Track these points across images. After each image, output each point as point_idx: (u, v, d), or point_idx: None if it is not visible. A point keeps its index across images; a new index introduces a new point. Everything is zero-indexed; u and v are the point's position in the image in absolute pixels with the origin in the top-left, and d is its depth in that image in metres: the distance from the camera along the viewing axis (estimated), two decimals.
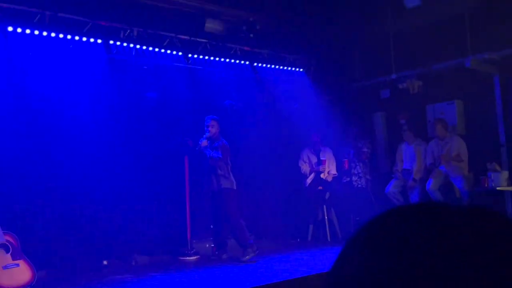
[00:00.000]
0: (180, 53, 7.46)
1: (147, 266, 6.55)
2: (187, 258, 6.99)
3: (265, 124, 8.42)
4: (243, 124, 8.20)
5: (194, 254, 7.06)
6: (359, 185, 8.36)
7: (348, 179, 8.46)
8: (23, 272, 5.06)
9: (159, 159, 7.21)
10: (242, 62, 8.21)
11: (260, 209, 8.41)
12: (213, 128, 6.65)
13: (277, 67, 8.71)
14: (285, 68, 8.81)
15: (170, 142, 7.35)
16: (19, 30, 6.00)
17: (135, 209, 6.87)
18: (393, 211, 0.59)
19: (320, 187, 8.24)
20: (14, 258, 5.03)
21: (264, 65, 8.48)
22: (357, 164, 8.41)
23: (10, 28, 5.92)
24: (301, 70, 9.00)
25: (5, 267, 4.93)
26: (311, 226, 8.28)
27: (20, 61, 6.19)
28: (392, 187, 7.74)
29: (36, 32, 6.13)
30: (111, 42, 6.73)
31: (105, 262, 6.52)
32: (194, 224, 7.28)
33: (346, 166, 8.44)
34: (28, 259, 5.14)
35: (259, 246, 6.75)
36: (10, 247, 5.04)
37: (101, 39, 6.63)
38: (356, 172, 8.41)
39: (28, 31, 6.06)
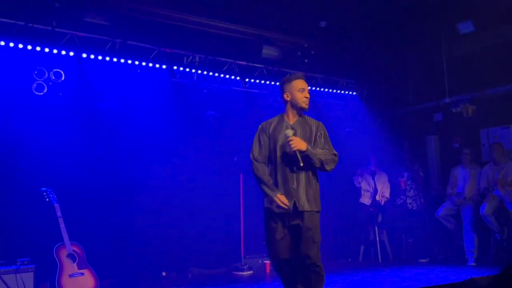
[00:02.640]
0: (238, 78, 7.87)
1: (202, 279, 6.84)
2: (241, 273, 7.26)
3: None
4: None
5: (248, 269, 7.33)
6: (413, 208, 8.37)
7: (402, 200, 8.48)
8: (87, 280, 5.41)
9: (217, 176, 7.60)
10: None
11: None
12: None
13: (330, 90, 8.95)
14: (338, 91, 9.03)
15: (226, 160, 7.72)
16: (92, 56, 6.58)
17: (193, 223, 7.24)
18: None
19: (372, 209, 8.34)
20: (79, 267, 5.41)
21: (317, 88, 8.75)
22: (411, 186, 8.44)
23: (84, 55, 6.51)
24: (354, 93, 9.20)
25: (71, 276, 5.32)
26: (362, 247, 8.35)
27: (93, 84, 6.76)
28: (444, 210, 7.70)
29: (107, 58, 6.69)
30: (175, 67, 7.24)
31: (164, 274, 6.88)
32: (248, 240, 7.55)
33: (403, 185, 8.47)
34: (93, 268, 5.51)
35: None
36: (76, 256, 5.44)
37: (165, 64, 7.15)
38: (410, 195, 8.43)
39: (100, 57, 6.64)
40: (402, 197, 8.48)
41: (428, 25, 8.15)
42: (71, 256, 5.41)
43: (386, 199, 8.35)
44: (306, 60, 8.13)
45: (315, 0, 7.29)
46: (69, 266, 5.35)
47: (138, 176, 6.87)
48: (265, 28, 7.57)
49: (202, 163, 7.47)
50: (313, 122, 3.89)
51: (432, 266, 7.42)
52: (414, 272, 6.88)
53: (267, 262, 7.45)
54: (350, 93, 9.16)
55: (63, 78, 6.37)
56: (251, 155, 3.91)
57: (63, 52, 6.32)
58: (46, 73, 6.26)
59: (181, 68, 7.30)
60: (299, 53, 8.09)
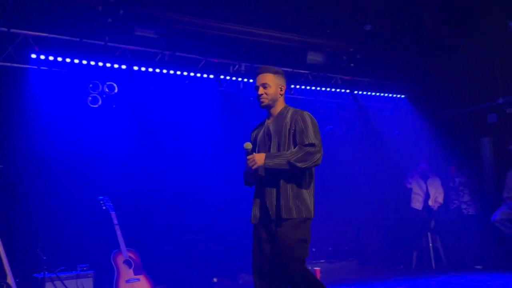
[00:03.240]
0: None
1: (252, 286, 6.88)
2: None
3: (366, 150, 8.56)
4: (344, 149, 8.42)
5: None
6: (468, 213, 8.13)
7: (455, 205, 8.26)
8: (143, 286, 5.57)
9: None
10: (343, 90, 8.48)
11: (362, 233, 8.50)
12: None
13: (378, 94, 8.85)
14: (386, 95, 8.92)
15: None
16: (143, 69, 6.82)
17: (243, 230, 7.31)
18: None
19: (424, 214, 8.15)
20: (135, 273, 5.59)
21: (365, 92, 8.68)
22: (465, 191, 8.20)
23: (135, 68, 6.76)
24: (403, 96, 9.05)
25: (128, 281, 5.50)
26: (415, 253, 8.17)
27: (144, 95, 7.01)
28: (500, 214, 7.43)
29: (157, 70, 6.92)
30: (222, 76, 7.39)
31: (215, 280, 6.98)
32: None
33: (456, 183, 8.27)
34: (148, 274, 5.67)
35: (361, 271, 6.80)
36: (132, 262, 5.62)
37: (213, 74, 7.30)
38: (465, 200, 8.19)
39: (150, 69, 6.88)
40: (455, 201, 8.25)
41: (479, 23, 7.92)
42: (127, 262, 5.60)
43: (439, 204, 8.14)
44: (352, 65, 8.07)
45: (360, 3, 7.24)
46: (126, 272, 5.54)
47: (190, 183, 7.04)
48: (310, 34, 7.58)
49: None
50: (290, 115, 3.36)
51: (488, 272, 7.18)
52: (470, 279, 6.67)
53: (317, 269, 7.41)
54: (399, 96, 9.02)
55: (116, 90, 6.63)
56: None
57: (116, 66, 6.59)
58: (100, 86, 6.54)
59: (228, 77, 7.44)
60: (344, 58, 8.04)
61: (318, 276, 7.41)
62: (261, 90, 3.39)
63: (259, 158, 3.21)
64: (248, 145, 3.31)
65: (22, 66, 6.11)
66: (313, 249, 7.53)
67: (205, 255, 6.94)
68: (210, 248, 7.00)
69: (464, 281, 6.53)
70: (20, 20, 5.87)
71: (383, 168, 8.64)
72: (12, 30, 5.94)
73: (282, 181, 3.22)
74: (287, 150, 3.25)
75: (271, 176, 3.25)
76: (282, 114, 3.39)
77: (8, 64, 6.04)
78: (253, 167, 3.22)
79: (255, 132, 3.56)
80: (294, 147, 3.25)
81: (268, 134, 3.39)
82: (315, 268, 7.48)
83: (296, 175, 3.23)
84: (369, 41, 7.88)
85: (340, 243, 8.39)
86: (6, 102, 5.95)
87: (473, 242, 7.95)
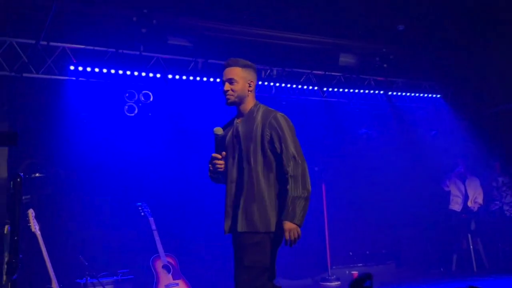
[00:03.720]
0: (315, 88, 7.92)
1: None
2: (328, 283, 7.22)
3: (402, 151, 8.45)
4: (379, 152, 8.33)
5: (335, 280, 7.27)
6: (511, 214, 7.90)
7: (497, 206, 8.04)
8: None
9: None
10: (376, 92, 8.40)
11: (400, 236, 8.38)
12: None
13: (412, 94, 8.72)
14: (421, 95, 8.78)
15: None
16: (177, 77, 6.94)
17: None
18: None
19: (464, 215, 7.97)
20: (174, 277, 5.67)
21: (399, 93, 8.57)
22: (508, 192, 7.97)
23: (170, 76, 6.89)
24: (438, 96, 8.89)
25: (167, 286, 5.58)
26: (455, 256, 7.99)
27: (179, 103, 7.12)
28: None
29: (191, 78, 7.03)
30: None
31: None
32: (334, 250, 7.51)
33: (498, 169, 8.06)
34: (186, 278, 5.76)
35: (400, 274, 6.71)
36: (171, 267, 5.71)
37: None
38: (507, 201, 7.96)
39: (184, 77, 6.99)
40: (497, 202, 8.03)
41: None
42: (166, 267, 5.69)
43: (479, 205, 7.94)
44: (385, 65, 7.99)
45: (392, 4, 7.16)
46: (165, 277, 5.63)
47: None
48: (341, 36, 7.55)
49: None
50: (261, 115, 3.05)
51: None
52: None
53: (355, 272, 7.36)
54: (434, 95, 8.87)
55: (151, 99, 6.77)
56: None
57: (151, 75, 6.73)
58: (136, 95, 6.69)
59: (260, 82, 7.48)
60: (377, 59, 7.97)
61: None
62: (226, 86, 3.13)
63: (292, 228, 2.91)
64: (218, 130, 3.12)
65: (61, 78, 6.31)
66: (350, 253, 7.48)
67: None
68: None
69: (507, 284, 6.35)
70: (58, 33, 6.08)
71: (420, 170, 8.50)
72: (51, 43, 6.16)
73: (260, 189, 2.96)
74: (255, 159, 2.96)
75: (247, 181, 2.99)
76: (252, 113, 3.09)
77: (48, 76, 6.25)
78: (296, 240, 2.94)
79: (223, 131, 3.22)
80: (263, 156, 2.97)
81: (236, 137, 3.10)
82: (352, 272, 7.43)
83: (274, 185, 2.99)
84: (402, 41, 7.78)
85: (378, 246, 8.29)
86: (47, 113, 6.17)
87: None
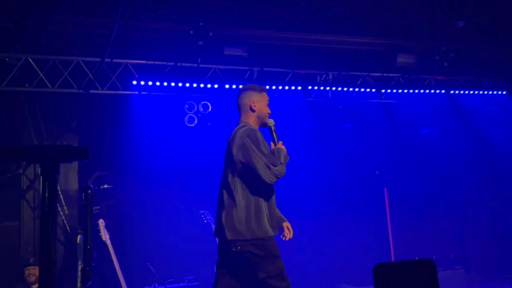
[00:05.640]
0: (373, 90, 7.79)
1: None
2: None
3: (468, 151, 8.14)
4: (444, 152, 8.08)
5: None
6: None
7: None
8: None
9: (360, 191, 7.56)
10: (438, 91, 8.14)
11: (468, 240, 8.05)
12: None
13: (476, 92, 8.38)
14: (486, 92, 8.42)
15: (368, 175, 7.64)
16: (234, 86, 7.05)
17: (339, 239, 7.27)
18: None
19: None
20: None
21: (461, 91, 8.26)
22: None
23: (227, 86, 7.02)
24: (504, 92, 8.49)
25: None
26: None
27: (236, 112, 7.20)
28: None
29: None
30: (310, 87, 7.43)
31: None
32: (398, 256, 7.33)
33: None
34: None
35: (469, 279, 6.47)
36: None
37: (300, 85, 7.38)
38: None
39: (241, 86, 7.05)
40: None
41: None
42: None
43: None
44: (445, 64, 7.73)
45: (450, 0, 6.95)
46: None
47: (283, 193, 7.09)
48: (398, 36, 7.40)
49: (344, 179, 7.50)
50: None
51: None
52: None
53: None
54: (500, 92, 8.48)
55: (210, 109, 6.95)
56: None
57: (209, 86, 6.89)
58: (195, 106, 6.89)
59: (316, 87, 7.46)
60: (437, 57, 7.73)
61: None
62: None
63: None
64: (271, 122, 3.60)
65: (125, 92, 6.60)
66: (416, 258, 7.26)
67: (303, 265, 6.97)
68: (310, 260, 7.03)
69: None
70: (120, 50, 6.36)
71: (487, 171, 8.15)
72: (114, 60, 6.46)
73: (239, 197, 3.42)
74: None
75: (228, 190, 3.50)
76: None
77: (113, 92, 6.56)
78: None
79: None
80: None
81: None
82: None
83: (254, 193, 3.44)
84: (462, 38, 7.52)
85: (445, 251, 8.01)
86: (114, 127, 6.47)
87: None
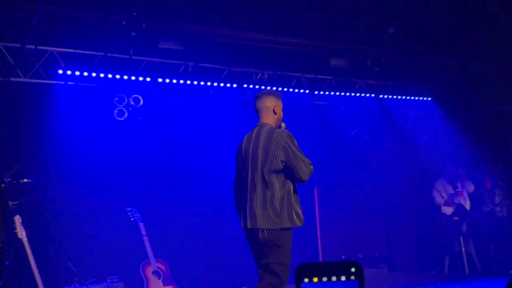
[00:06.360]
0: (307, 91, 7.89)
1: None
2: None
3: (394, 154, 8.45)
4: (371, 154, 8.34)
5: None
6: (503, 215, 7.91)
7: (489, 208, 8.04)
8: None
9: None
10: (367, 95, 8.39)
11: (392, 240, 8.37)
12: None
13: (403, 97, 8.72)
14: (412, 98, 8.79)
15: None
16: (167, 80, 6.89)
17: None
18: None
19: (455, 218, 7.96)
20: (165, 283, 5.62)
21: (390, 96, 8.56)
22: (496, 193, 7.98)
23: (160, 80, 6.83)
24: (429, 99, 8.90)
25: None
26: (447, 258, 7.98)
27: (169, 107, 7.07)
28: None
29: (181, 81, 6.98)
30: (245, 85, 7.40)
31: None
32: (326, 253, 7.47)
33: (488, 186, 8.04)
34: (177, 284, 5.71)
35: (393, 277, 6.70)
36: (161, 273, 5.66)
37: (236, 83, 7.33)
38: (497, 202, 7.98)
39: (174, 81, 6.93)
40: (488, 205, 8.04)
41: (506, 24, 7.73)
42: (156, 273, 5.64)
43: (468, 205, 7.93)
44: (376, 69, 7.98)
45: (383, 7, 7.16)
46: (155, 283, 5.57)
47: (217, 192, 7.04)
48: (332, 40, 7.55)
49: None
50: None
51: None
52: (504, 284, 6.47)
53: None
54: (425, 98, 8.88)
55: (141, 103, 6.71)
56: None
57: (141, 78, 6.67)
58: (126, 99, 6.63)
59: (251, 86, 7.44)
60: (368, 62, 7.97)
61: None
62: None
63: None
64: (283, 125, 4.02)
65: (50, 82, 6.24)
66: (343, 256, 7.44)
67: (234, 264, 6.93)
68: (240, 257, 6.98)
69: (500, 286, 6.34)
70: (46, 37, 6.02)
71: (411, 173, 8.50)
72: (39, 47, 6.09)
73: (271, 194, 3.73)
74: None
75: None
76: None
77: (36, 80, 6.18)
78: None
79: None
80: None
81: None
82: None
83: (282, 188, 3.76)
84: (393, 45, 7.78)
85: (370, 250, 8.27)
86: (36, 118, 6.09)
87: (508, 245, 7.72)
